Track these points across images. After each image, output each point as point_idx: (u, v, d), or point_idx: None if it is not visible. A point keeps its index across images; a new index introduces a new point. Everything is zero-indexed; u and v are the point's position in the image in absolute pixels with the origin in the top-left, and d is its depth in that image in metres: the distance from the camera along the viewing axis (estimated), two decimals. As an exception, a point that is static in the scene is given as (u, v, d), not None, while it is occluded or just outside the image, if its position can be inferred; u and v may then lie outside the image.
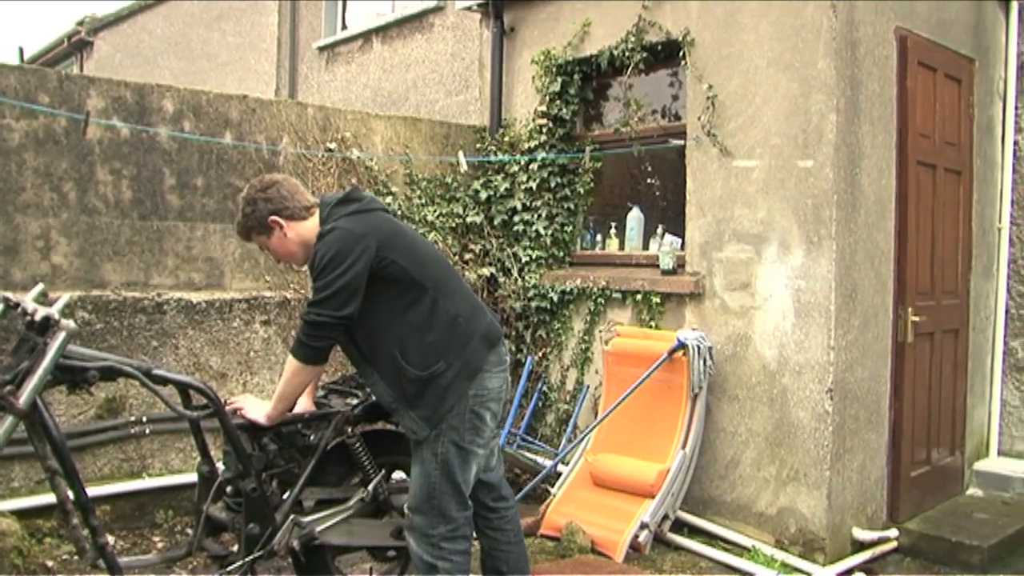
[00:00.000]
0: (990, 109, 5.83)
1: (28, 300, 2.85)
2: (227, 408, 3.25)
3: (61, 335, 2.72)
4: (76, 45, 16.72)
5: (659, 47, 5.45)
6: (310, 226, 3.23)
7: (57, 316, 2.76)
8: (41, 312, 2.75)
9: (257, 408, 3.29)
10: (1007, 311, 5.87)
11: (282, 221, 3.21)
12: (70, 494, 2.88)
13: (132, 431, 4.82)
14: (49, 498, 4.05)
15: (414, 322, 3.14)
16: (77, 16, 19.45)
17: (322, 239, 3.10)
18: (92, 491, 4.06)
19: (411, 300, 3.15)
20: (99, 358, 2.95)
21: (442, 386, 3.13)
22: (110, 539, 3.86)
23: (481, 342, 3.24)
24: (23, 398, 2.62)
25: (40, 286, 3.01)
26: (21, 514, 4.32)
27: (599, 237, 6.12)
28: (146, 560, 3.47)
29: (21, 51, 16.24)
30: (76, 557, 4.21)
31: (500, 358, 3.30)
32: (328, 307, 3.02)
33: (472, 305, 3.32)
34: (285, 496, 3.37)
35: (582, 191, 6.07)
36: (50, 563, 4.25)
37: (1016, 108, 5.87)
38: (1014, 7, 5.87)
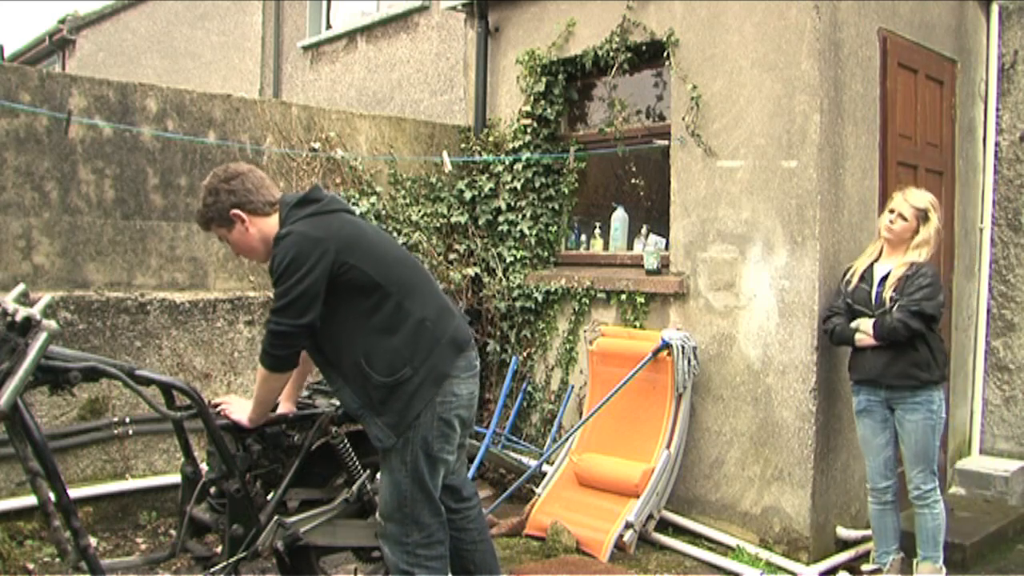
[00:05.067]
0: (972, 110, 5.87)
1: (8, 301, 2.82)
2: (211, 408, 3.22)
3: (42, 336, 2.69)
4: (58, 43, 16.59)
5: (643, 47, 5.46)
6: (273, 223, 3.14)
7: (38, 316, 2.74)
8: (22, 313, 2.73)
9: (240, 409, 3.24)
10: (989, 311, 5.91)
11: (244, 215, 3.11)
12: (52, 496, 2.86)
13: (115, 432, 4.79)
14: (30, 500, 4.02)
15: (378, 326, 3.06)
16: (59, 14, 19.29)
17: (279, 243, 3.01)
18: (75, 492, 4.03)
19: (374, 304, 3.06)
20: (81, 359, 2.93)
21: (408, 392, 3.05)
22: (93, 541, 3.83)
23: (449, 346, 3.14)
24: (3, 399, 2.59)
25: (21, 286, 2.97)
26: (2, 516, 4.29)
27: (584, 237, 6.13)
28: (129, 562, 3.44)
29: (1, 49, 16.08)
30: (58, 559, 4.18)
31: (469, 363, 3.21)
32: (287, 315, 2.94)
33: (439, 307, 3.21)
34: (269, 497, 3.35)
35: (567, 191, 6.08)
36: (31, 565, 4.22)
37: (997, 110, 5.92)
38: (995, 9, 5.91)
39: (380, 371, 3.04)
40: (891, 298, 4.16)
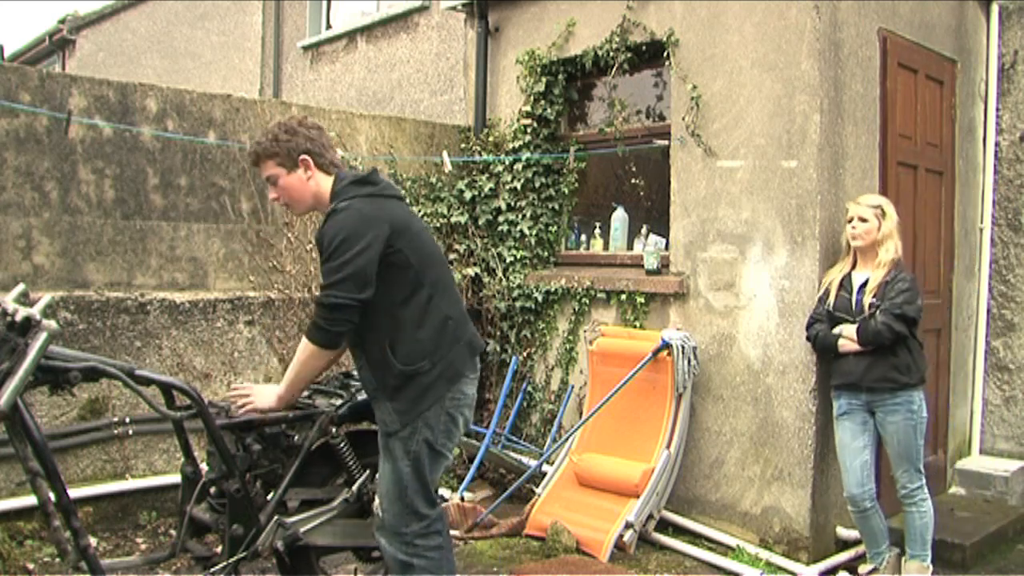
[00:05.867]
0: (972, 110, 5.87)
1: (8, 301, 2.82)
2: (231, 401, 3.21)
3: (42, 336, 2.69)
4: (58, 43, 16.59)
5: (643, 47, 5.46)
6: (326, 185, 3.16)
7: (38, 316, 2.74)
8: (22, 312, 2.73)
9: (266, 394, 3.21)
10: (989, 311, 5.91)
11: (312, 163, 3.13)
12: (52, 496, 2.86)
13: (115, 432, 4.79)
14: (30, 500, 4.02)
15: (408, 317, 3.09)
16: (59, 14, 19.30)
17: (335, 216, 3.01)
18: (75, 492, 4.03)
19: (409, 294, 3.10)
20: (81, 359, 2.93)
21: (423, 385, 3.09)
22: (92, 541, 3.83)
23: (466, 347, 3.21)
24: (3, 399, 2.59)
25: (21, 286, 2.97)
26: (2, 516, 4.29)
27: (584, 237, 6.13)
28: (129, 562, 3.44)
29: (1, 49, 16.07)
30: (58, 559, 4.18)
31: (476, 367, 3.29)
32: (345, 288, 2.93)
33: (462, 311, 3.29)
34: (269, 497, 3.35)
35: (567, 191, 6.08)
36: (31, 565, 4.22)
37: (997, 109, 5.91)
38: (995, 9, 5.91)
39: (401, 359, 3.07)
40: (872, 304, 4.25)
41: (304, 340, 3.06)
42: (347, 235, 2.94)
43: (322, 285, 2.99)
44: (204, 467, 3.39)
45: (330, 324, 2.98)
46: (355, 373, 3.93)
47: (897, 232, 4.34)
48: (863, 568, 4.51)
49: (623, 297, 5.48)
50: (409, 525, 3.13)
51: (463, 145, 6.39)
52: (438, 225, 6.08)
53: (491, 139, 6.24)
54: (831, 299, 4.39)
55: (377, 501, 3.21)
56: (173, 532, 4.55)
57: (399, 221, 3.09)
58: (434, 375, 3.10)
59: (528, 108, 6.01)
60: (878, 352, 4.21)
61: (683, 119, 5.17)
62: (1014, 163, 5.82)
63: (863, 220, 4.33)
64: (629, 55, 5.51)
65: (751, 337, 4.89)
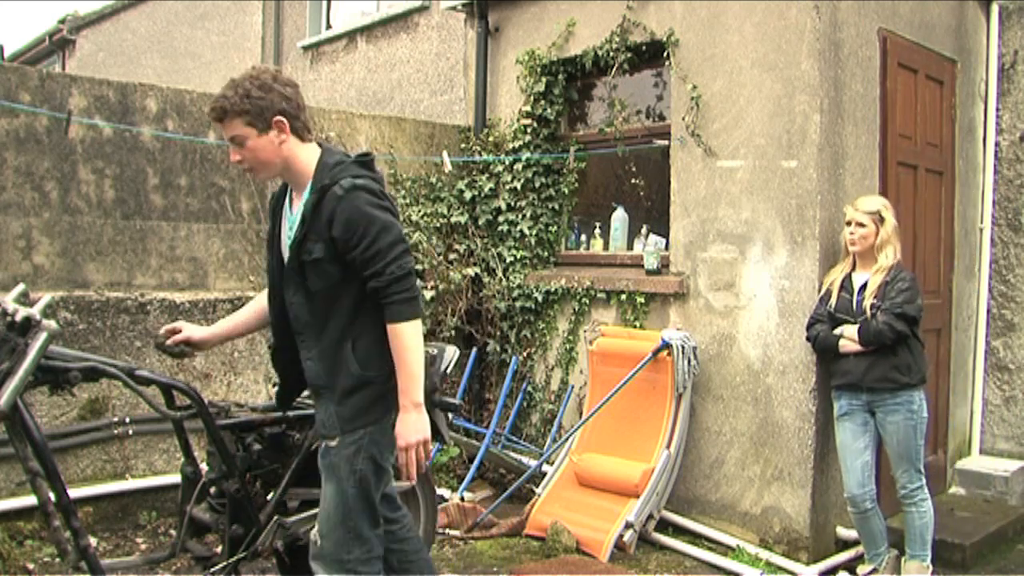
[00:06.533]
0: (972, 110, 5.87)
1: (8, 301, 2.83)
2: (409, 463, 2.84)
3: (42, 336, 2.70)
4: (58, 43, 16.60)
5: (643, 47, 5.46)
6: (302, 152, 2.85)
7: (38, 317, 2.74)
8: (22, 313, 2.73)
9: (412, 424, 2.77)
10: (989, 311, 5.91)
11: (287, 126, 2.81)
12: (52, 496, 2.86)
13: (115, 432, 4.79)
14: (30, 500, 4.02)
15: (378, 321, 2.80)
16: (59, 14, 19.30)
17: (355, 191, 2.73)
18: (75, 492, 4.03)
19: None
20: (81, 359, 2.93)
21: (374, 395, 2.83)
22: (93, 541, 3.84)
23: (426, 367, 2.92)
24: (3, 400, 2.60)
25: (21, 286, 2.98)
26: (2, 516, 4.28)
27: (584, 237, 6.13)
28: (129, 562, 3.45)
29: (1, 49, 16.08)
30: (58, 559, 4.18)
31: (430, 386, 3.07)
32: (406, 257, 2.74)
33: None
34: (269, 497, 3.36)
35: (566, 191, 6.08)
36: (31, 565, 4.22)
37: (997, 109, 5.91)
38: (995, 9, 5.91)
39: (361, 362, 2.81)
40: (872, 305, 4.25)
41: (399, 326, 2.73)
42: (380, 208, 2.74)
43: (384, 263, 2.71)
44: (204, 467, 3.39)
45: (414, 291, 2.75)
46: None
47: (896, 236, 4.34)
48: (861, 569, 4.51)
49: (623, 297, 5.48)
50: (351, 551, 2.87)
51: (463, 145, 6.39)
52: (438, 225, 6.08)
53: (491, 139, 6.24)
54: (832, 300, 4.39)
55: (317, 528, 2.93)
56: (173, 532, 4.55)
57: (395, 212, 2.87)
58: (388, 387, 2.81)
59: (528, 108, 6.01)
60: (878, 352, 4.22)
61: (683, 119, 5.17)
62: (1014, 163, 5.82)
63: (861, 226, 4.33)
64: (629, 55, 5.51)
65: (751, 337, 4.89)
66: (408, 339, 2.74)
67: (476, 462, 5.48)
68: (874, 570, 4.44)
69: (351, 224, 2.72)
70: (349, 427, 2.83)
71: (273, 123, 2.78)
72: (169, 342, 3.18)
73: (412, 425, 2.75)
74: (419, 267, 5.86)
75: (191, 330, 3.22)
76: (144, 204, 5.00)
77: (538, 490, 5.29)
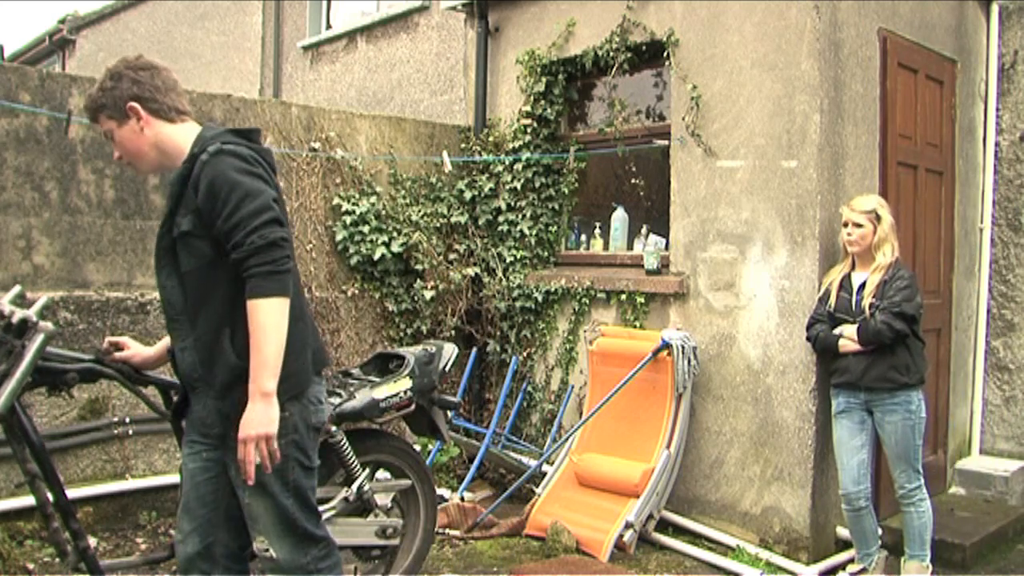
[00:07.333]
0: (972, 110, 5.86)
1: (4, 302, 2.83)
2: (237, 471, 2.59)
3: (39, 338, 2.69)
4: (58, 43, 16.61)
5: (643, 47, 5.46)
6: (173, 133, 2.68)
7: (35, 318, 2.74)
8: (18, 314, 2.73)
9: (261, 416, 2.43)
10: (989, 311, 5.91)
11: (143, 112, 2.64)
12: (50, 497, 2.86)
13: (115, 432, 4.79)
14: (30, 500, 4.01)
15: None
16: (59, 14, 19.30)
17: (216, 157, 2.50)
18: (74, 493, 4.03)
19: None
20: (79, 359, 2.93)
21: None
22: (92, 541, 3.84)
23: (312, 360, 2.70)
24: (0, 402, 2.59)
25: (17, 287, 2.98)
26: (2, 516, 4.28)
27: (584, 237, 6.13)
28: (129, 562, 3.45)
29: (1, 49, 16.09)
30: (58, 560, 4.18)
31: (323, 386, 2.79)
32: (274, 224, 2.45)
33: (311, 314, 2.84)
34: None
35: (567, 191, 6.08)
36: (31, 565, 4.22)
37: (997, 109, 5.91)
38: (995, 9, 5.91)
39: (240, 354, 2.51)
40: (872, 304, 4.25)
41: (256, 302, 2.42)
42: (241, 169, 2.50)
43: (246, 230, 2.43)
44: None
45: (279, 264, 2.44)
46: (354, 371, 3.94)
47: (893, 234, 4.34)
48: (851, 568, 4.51)
49: (623, 297, 5.48)
50: (308, 552, 2.72)
51: (463, 145, 6.39)
52: (438, 225, 6.08)
53: (491, 139, 6.24)
54: (832, 300, 4.39)
55: (269, 546, 2.71)
56: (173, 532, 4.55)
57: (276, 189, 2.61)
58: (284, 373, 2.50)
59: (528, 108, 6.01)
60: (877, 351, 4.22)
61: (683, 119, 5.16)
62: (1014, 163, 5.82)
63: (858, 226, 4.33)
64: (629, 55, 5.51)
65: (751, 337, 4.88)
66: (265, 317, 2.41)
67: (476, 462, 5.48)
68: (863, 570, 4.44)
69: (212, 189, 2.48)
70: (230, 426, 2.55)
71: (128, 110, 2.64)
72: (108, 359, 2.99)
73: (257, 417, 2.42)
74: (419, 267, 5.87)
75: (136, 348, 3.04)
76: (144, 204, 4.99)
77: (538, 490, 5.29)
